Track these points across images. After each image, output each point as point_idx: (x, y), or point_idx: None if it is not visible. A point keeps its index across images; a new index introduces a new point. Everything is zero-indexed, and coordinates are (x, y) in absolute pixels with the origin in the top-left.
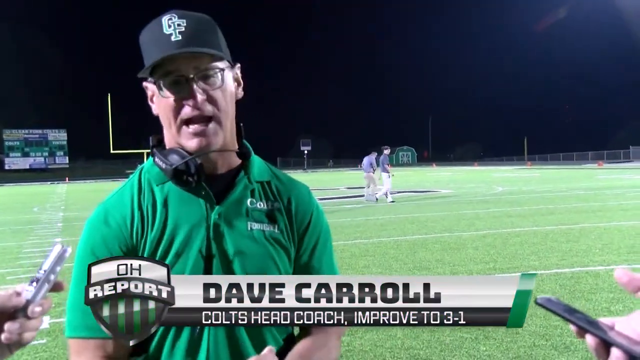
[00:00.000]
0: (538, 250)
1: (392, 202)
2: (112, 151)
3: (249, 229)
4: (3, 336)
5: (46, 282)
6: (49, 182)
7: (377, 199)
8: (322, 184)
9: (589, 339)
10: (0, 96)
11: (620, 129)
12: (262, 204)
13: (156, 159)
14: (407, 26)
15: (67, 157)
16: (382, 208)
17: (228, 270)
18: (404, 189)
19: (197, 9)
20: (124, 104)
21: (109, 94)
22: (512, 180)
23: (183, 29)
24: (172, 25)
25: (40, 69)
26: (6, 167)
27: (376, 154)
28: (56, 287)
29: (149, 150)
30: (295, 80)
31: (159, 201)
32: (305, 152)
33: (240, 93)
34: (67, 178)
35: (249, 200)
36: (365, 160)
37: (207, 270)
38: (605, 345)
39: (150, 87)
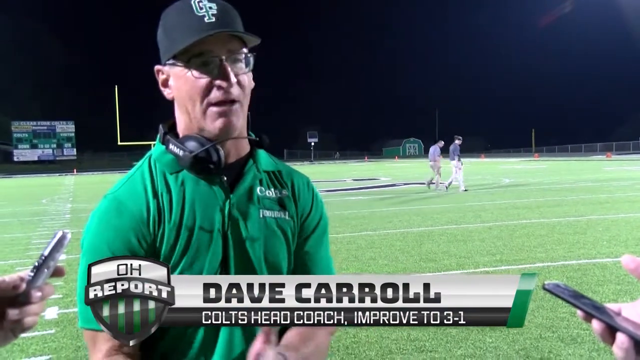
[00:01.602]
0: (545, 242)
1: (465, 190)
2: (119, 143)
3: (261, 216)
4: (5, 321)
5: (46, 268)
6: (57, 174)
7: (446, 188)
8: (328, 175)
9: (595, 324)
10: (8, 88)
11: (630, 120)
12: (270, 192)
13: (171, 146)
14: (414, 18)
15: (74, 149)
16: (388, 200)
17: (244, 256)
18: (410, 181)
19: None
20: (131, 96)
21: (116, 86)
22: (519, 172)
23: (215, 12)
24: (203, 7)
25: (48, 61)
26: (15, 159)
27: (443, 142)
28: (57, 273)
29: (154, 142)
30: (302, 72)
31: (174, 189)
32: (312, 144)
33: (252, 83)
34: (74, 170)
35: (258, 189)
36: (432, 149)
37: (225, 258)
38: (611, 330)
39: (166, 70)
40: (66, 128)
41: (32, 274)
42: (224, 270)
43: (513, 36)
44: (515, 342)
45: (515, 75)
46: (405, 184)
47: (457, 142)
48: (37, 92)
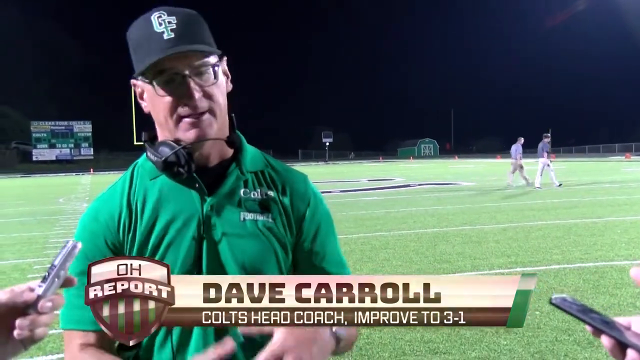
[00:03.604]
0: (561, 244)
1: (539, 187)
2: (135, 143)
3: (242, 219)
4: (15, 332)
5: (56, 278)
6: (74, 173)
7: (544, 185)
8: (343, 175)
9: (605, 340)
10: (27, 89)
11: None
12: (255, 193)
13: (148, 154)
14: (429, 18)
15: (91, 149)
16: (403, 200)
17: (219, 261)
18: (426, 181)
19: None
20: None
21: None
22: (535, 173)
23: (174, 27)
24: (162, 23)
25: (65, 61)
26: (33, 159)
27: (523, 139)
28: (67, 283)
29: None
30: (316, 72)
31: (151, 195)
32: (327, 144)
33: (230, 86)
34: (91, 169)
35: (242, 191)
36: (513, 147)
37: (199, 263)
38: (621, 345)
39: (139, 84)
40: (83, 128)
41: (42, 284)
42: (197, 273)
43: (530, 36)
44: (531, 344)
45: (531, 75)
46: (420, 185)
47: (546, 139)
48: (55, 92)
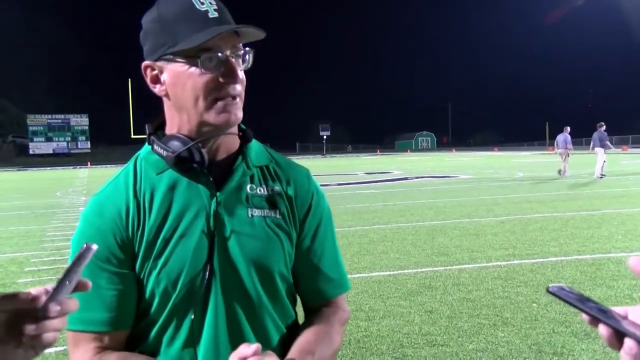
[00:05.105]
0: (558, 236)
1: (600, 177)
2: (132, 136)
3: (250, 215)
4: (23, 336)
5: (67, 281)
6: (72, 167)
7: (601, 176)
8: (340, 169)
9: (602, 329)
10: (23, 82)
11: None
12: (262, 189)
13: (155, 147)
14: (427, 13)
15: (88, 142)
16: (400, 193)
17: (229, 257)
18: (423, 174)
19: None
20: (144, 89)
21: (130, 79)
22: (533, 166)
23: (216, 7)
24: (204, 2)
25: (62, 54)
26: (30, 152)
27: (569, 128)
28: (80, 287)
29: None
30: (314, 65)
31: (158, 190)
32: (324, 137)
33: None
34: (88, 163)
35: (248, 186)
36: (560, 137)
37: (209, 259)
38: (618, 334)
39: (158, 65)
40: (80, 121)
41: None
42: (209, 271)
43: (527, 31)
44: (528, 336)
45: (529, 68)
46: (417, 178)
47: (602, 129)
48: (52, 86)
